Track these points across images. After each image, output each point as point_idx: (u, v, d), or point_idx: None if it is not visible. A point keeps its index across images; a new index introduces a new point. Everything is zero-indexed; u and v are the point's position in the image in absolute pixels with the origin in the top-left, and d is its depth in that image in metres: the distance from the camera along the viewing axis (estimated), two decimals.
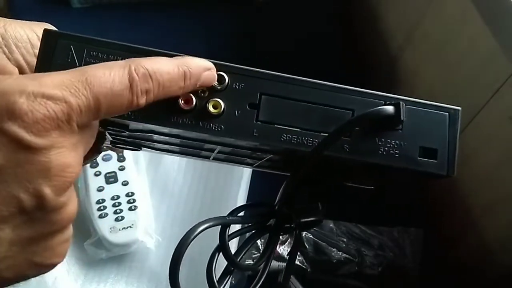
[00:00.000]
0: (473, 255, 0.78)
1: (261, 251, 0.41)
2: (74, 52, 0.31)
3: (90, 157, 0.36)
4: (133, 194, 0.74)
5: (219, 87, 0.32)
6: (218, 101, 0.32)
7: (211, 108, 0.32)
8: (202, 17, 1.04)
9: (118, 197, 0.74)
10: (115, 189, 0.74)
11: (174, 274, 0.32)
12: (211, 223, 0.34)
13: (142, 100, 0.28)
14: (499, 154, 0.71)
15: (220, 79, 0.32)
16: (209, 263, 0.35)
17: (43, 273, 0.28)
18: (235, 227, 0.38)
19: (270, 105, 0.33)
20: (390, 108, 0.32)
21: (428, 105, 0.34)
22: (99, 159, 0.76)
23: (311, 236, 0.77)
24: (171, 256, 0.32)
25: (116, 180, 0.75)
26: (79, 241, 0.72)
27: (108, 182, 0.75)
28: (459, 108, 0.34)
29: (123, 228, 0.72)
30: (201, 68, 0.31)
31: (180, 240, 0.32)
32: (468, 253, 0.80)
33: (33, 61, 0.33)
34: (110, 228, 0.71)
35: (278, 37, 1.03)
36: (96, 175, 0.75)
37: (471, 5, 0.70)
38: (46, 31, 0.31)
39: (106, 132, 0.37)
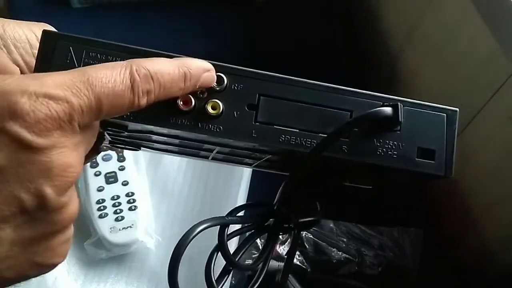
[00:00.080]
0: (473, 255, 0.78)
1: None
2: (73, 53, 0.31)
3: (89, 157, 0.36)
4: (133, 194, 0.74)
5: (218, 88, 0.32)
6: (217, 102, 0.32)
7: (210, 109, 0.32)
8: (202, 17, 1.04)
9: (118, 197, 0.74)
10: (115, 189, 0.74)
11: (173, 274, 0.32)
12: (210, 223, 0.34)
13: (143, 101, 0.28)
14: (499, 154, 0.71)
15: (219, 80, 0.32)
16: (207, 262, 0.35)
17: (44, 273, 0.28)
18: (234, 227, 0.38)
19: (268, 106, 0.33)
20: (388, 110, 0.32)
21: (426, 106, 0.34)
22: (99, 159, 0.76)
23: (311, 236, 0.77)
24: (170, 256, 0.32)
25: (116, 180, 0.75)
26: (79, 241, 0.72)
27: (108, 182, 0.75)
28: (457, 109, 0.34)
29: (123, 228, 0.72)
30: (201, 69, 0.31)
31: (179, 240, 0.32)
32: (468, 253, 0.80)
33: (32, 61, 0.33)
34: (110, 228, 0.71)
35: (278, 37, 1.03)
36: (96, 175, 0.75)
37: (471, 5, 0.70)
38: (45, 32, 0.31)
39: (105, 132, 0.37)
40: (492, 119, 0.70)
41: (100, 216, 0.72)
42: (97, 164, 0.76)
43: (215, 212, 0.36)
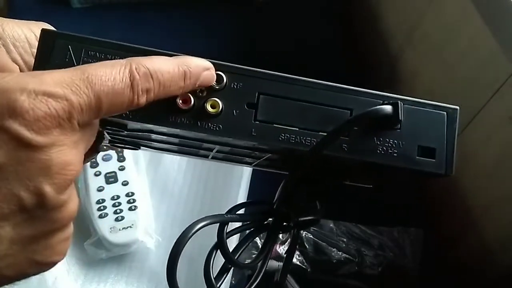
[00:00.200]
0: (473, 255, 0.78)
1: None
2: (72, 52, 0.31)
3: (89, 156, 0.36)
4: (133, 194, 0.74)
5: (217, 87, 0.32)
6: (216, 101, 0.32)
7: (209, 108, 0.32)
8: (202, 17, 1.04)
9: (118, 197, 0.74)
10: (115, 189, 0.74)
11: (172, 271, 0.32)
12: (209, 221, 0.34)
13: (143, 99, 0.28)
14: (499, 154, 0.71)
15: (218, 78, 0.32)
16: (206, 260, 0.35)
17: (43, 271, 0.28)
18: (234, 225, 0.38)
19: (268, 105, 0.33)
20: (388, 108, 0.32)
21: (426, 104, 0.34)
22: (99, 159, 0.76)
23: (311, 236, 0.77)
24: (169, 253, 0.32)
25: (116, 180, 0.75)
26: (79, 241, 0.72)
27: (108, 182, 0.75)
28: (457, 107, 0.34)
29: (123, 228, 0.72)
30: (201, 68, 0.31)
31: (178, 238, 0.32)
32: (468, 253, 0.80)
33: (31, 60, 0.33)
34: (110, 228, 0.71)
35: (278, 37, 1.03)
36: (96, 175, 0.75)
37: (471, 5, 0.70)
38: (44, 31, 0.31)
39: (105, 131, 0.37)
40: (492, 119, 0.70)
41: (100, 216, 0.72)
42: (97, 164, 0.75)
43: (215, 212, 0.36)
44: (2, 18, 0.33)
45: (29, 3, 1.00)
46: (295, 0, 1.09)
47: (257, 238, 0.70)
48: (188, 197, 0.80)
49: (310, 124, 0.33)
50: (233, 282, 0.72)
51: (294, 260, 0.75)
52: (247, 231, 0.40)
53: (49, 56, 0.30)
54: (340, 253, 0.77)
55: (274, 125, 0.33)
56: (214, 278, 0.35)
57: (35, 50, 0.31)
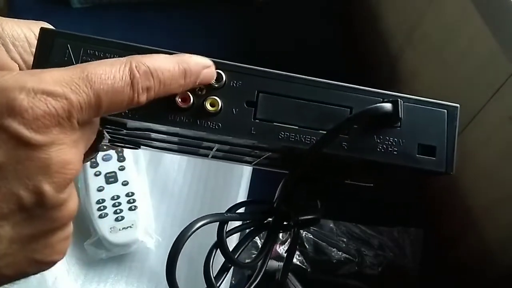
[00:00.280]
0: (473, 255, 0.78)
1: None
2: (71, 50, 0.31)
3: (89, 155, 0.36)
4: (133, 194, 0.74)
5: (216, 85, 0.32)
6: (216, 99, 0.32)
7: (208, 106, 0.32)
8: (202, 17, 1.04)
9: (118, 197, 0.74)
10: (115, 189, 0.74)
11: (171, 270, 0.32)
12: (209, 219, 0.34)
13: (143, 98, 0.28)
14: (499, 154, 0.71)
15: (218, 77, 0.32)
16: (206, 259, 0.35)
17: (43, 271, 0.28)
18: (234, 224, 0.38)
19: (267, 103, 0.33)
20: (388, 106, 0.32)
21: (427, 102, 0.33)
22: (99, 159, 0.76)
23: (311, 236, 0.77)
24: (168, 252, 0.32)
25: (116, 180, 0.75)
26: (79, 241, 0.72)
27: (108, 182, 0.75)
28: (458, 105, 0.34)
29: (123, 228, 0.72)
30: (201, 66, 0.31)
31: (178, 236, 0.32)
32: (468, 253, 0.80)
33: (31, 59, 0.32)
34: (110, 228, 0.71)
35: (278, 37, 1.03)
36: (96, 175, 0.75)
37: (471, 5, 0.70)
38: (43, 30, 0.31)
39: (104, 130, 0.37)
40: (492, 119, 0.70)
41: (100, 216, 0.72)
42: (97, 164, 0.75)
43: (215, 211, 0.36)
44: (2, 17, 0.33)
45: (29, 3, 1.00)
46: (295, 0, 1.09)
47: (257, 237, 0.70)
48: (188, 197, 0.79)
49: (309, 122, 0.33)
50: (233, 281, 0.72)
51: (294, 260, 0.75)
52: (247, 230, 0.40)
53: (48, 55, 0.30)
54: (340, 253, 0.77)
55: (274, 123, 0.32)
56: (214, 278, 0.35)
57: (34, 49, 0.31)
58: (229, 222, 0.36)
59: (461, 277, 0.79)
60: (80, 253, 0.72)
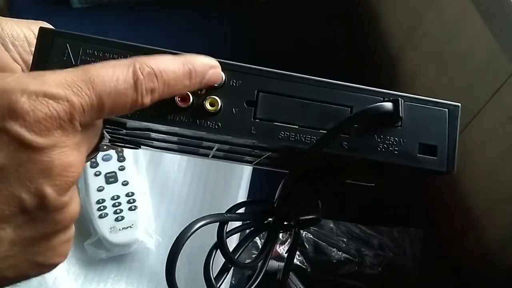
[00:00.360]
0: (473, 255, 0.78)
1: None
2: (70, 50, 0.30)
3: (89, 155, 0.36)
4: (133, 194, 0.74)
5: (216, 85, 0.32)
6: (215, 99, 0.32)
7: (208, 106, 0.32)
8: (202, 17, 1.04)
9: (118, 197, 0.74)
10: (115, 189, 0.74)
11: (171, 271, 0.32)
12: (208, 220, 0.33)
13: (147, 99, 0.28)
14: (499, 154, 0.71)
15: None
16: (206, 260, 0.35)
17: (44, 273, 0.28)
18: (234, 225, 0.38)
19: (267, 103, 0.32)
20: (388, 105, 0.32)
21: (427, 102, 0.33)
22: (99, 159, 0.76)
23: (311, 236, 0.77)
24: (168, 252, 0.32)
25: (116, 180, 0.75)
26: (79, 241, 0.72)
27: (108, 182, 0.75)
28: (459, 104, 0.33)
29: (123, 228, 0.72)
30: (206, 66, 0.31)
31: (177, 237, 0.32)
32: (468, 253, 0.80)
33: (30, 59, 0.32)
34: (110, 228, 0.71)
35: (278, 37, 1.03)
36: (96, 175, 0.75)
37: (471, 5, 0.70)
38: (42, 29, 0.31)
39: (104, 130, 0.37)
40: (492, 119, 0.70)
41: (100, 216, 0.72)
42: (97, 164, 0.75)
43: (215, 212, 0.36)
44: (1, 17, 0.33)
45: (29, 3, 1.00)
46: (295, 0, 1.09)
47: (257, 238, 0.70)
48: (188, 197, 0.79)
49: (310, 122, 0.33)
50: (233, 282, 0.72)
51: (294, 260, 0.75)
52: (247, 231, 0.40)
53: (47, 54, 0.30)
54: (340, 253, 0.77)
55: (274, 123, 0.32)
56: (214, 278, 0.35)
57: (33, 49, 0.31)
58: (229, 222, 0.36)
59: (461, 277, 0.79)
60: (80, 253, 0.72)
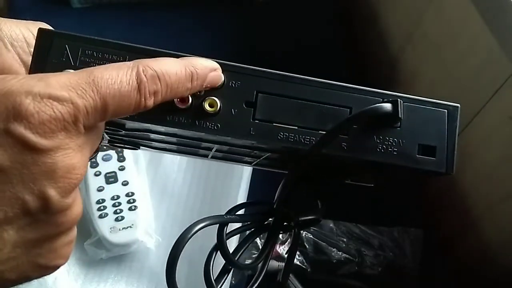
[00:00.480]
0: (473, 255, 0.78)
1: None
2: (69, 51, 0.30)
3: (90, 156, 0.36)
4: (133, 194, 0.74)
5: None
6: (214, 100, 0.32)
7: (207, 107, 0.32)
8: (202, 17, 1.04)
9: (118, 197, 0.74)
10: (115, 189, 0.74)
11: (171, 273, 0.32)
12: (208, 222, 0.33)
13: (150, 102, 0.28)
14: (499, 154, 0.71)
15: None
16: (206, 261, 0.35)
17: (46, 275, 0.28)
18: (234, 226, 0.38)
19: (266, 103, 0.32)
20: (388, 106, 0.32)
21: (427, 102, 0.33)
22: (99, 159, 0.76)
23: (311, 236, 0.77)
24: (168, 255, 0.32)
25: (116, 180, 0.75)
26: (79, 241, 0.72)
27: (108, 182, 0.75)
28: (458, 104, 0.33)
29: (123, 228, 0.72)
30: (208, 69, 0.31)
31: (178, 238, 0.32)
32: (468, 253, 0.80)
33: (29, 60, 0.32)
34: (110, 228, 0.71)
35: (278, 37, 1.03)
36: (96, 175, 0.75)
37: (471, 5, 0.70)
38: (41, 30, 0.31)
39: (103, 131, 0.37)
40: (492, 119, 0.70)
41: (100, 216, 0.72)
42: (97, 164, 0.75)
43: (215, 212, 0.36)
44: (0, 18, 0.33)
45: (29, 3, 1.00)
46: (295, 0, 1.09)
47: (258, 238, 0.70)
48: (188, 197, 0.79)
49: (309, 123, 0.33)
50: (234, 282, 0.72)
51: (294, 260, 0.75)
52: (247, 232, 0.40)
53: (46, 55, 0.30)
54: (340, 253, 0.77)
55: (273, 123, 0.32)
56: (215, 280, 0.35)
57: (32, 50, 0.31)
58: (229, 223, 0.36)
59: (461, 277, 0.79)
60: (80, 253, 0.72)
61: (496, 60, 0.67)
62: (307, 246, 0.76)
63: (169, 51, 0.31)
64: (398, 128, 0.33)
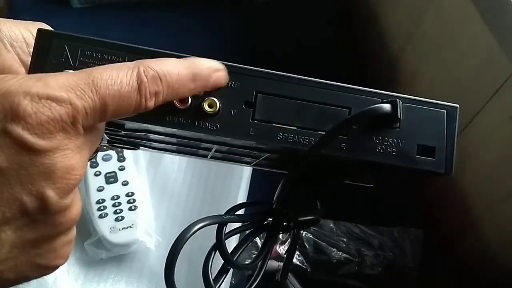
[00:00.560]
0: (473, 255, 0.78)
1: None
2: (69, 51, 0.30)
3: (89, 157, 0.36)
4: (133, 194, 0.74)
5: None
6: (214, 100, 0.32)
7: (206, 107, 0.32)
8: (202, 17, 1.04)
9: (118, 197, 0.74)
10: (115, 189, 0.74)
11: (170, 273, 0.32)
12: (207, 222, 0.33)
13: (151, 103, 0.28)
14: (499, 154, 0.71)
15: None
16: (205, 261, 0.35)
17: (45, 275, 0.28)
18: (233, 226, 0.38)
19: (266, 104, 0.32)
20: (387, 106, 0.32)
21: (426, 103, 0.33)
22: (99, 159, 0.76)
23: (311, 236, 0.77)
24: (167, 255, 0.32)
25: (116, 180, 0.75)
26: (79, 241, 0.72)
27: (108, 182, 0.75)
28: (457, 105, 0.33)
29: (123, 228, 0.72)
30: (211, 70, 0.31)
31: (177, 238, 0.32)
32: (468, 253, 0.80)
33: (29, 60, 0.32)
34: (110, 228, 0.71)
35: (278, 37, 1.03)
36: (96, 175, 0.75)
37: (471, 5, 0.70)
38: (40, 31, 0.31)
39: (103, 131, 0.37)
40: (492, 119, 0.70)
41: (100, 216, 0.72)
42: (97, 164, 0.75)
43: (215, 212, 0.36)
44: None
45: (28, 3, 1.00)
46: (295, 0, 1.09)
47: (257, 238, 0.70)
48: (188, 197, 0.79)
49: (308, 123, 0.33)
50: (233, 282, 0.72)
51: (294, 260, 0.75)
52: (247, 232, 0.40)
53: (45, 56, 0.30)
54: (340, 253, 0.77)
55: (272, 124, 0.32)
56: (213, 279, 0.35)
57: (32, 50, 0.31)
58: (228, 223, 0.36)
59: (461, 277, 0.79)
60: (80, 253, 0.72)
61: (496, 60, 0.67)
62: (307, 246, 0.76)
63: (169, 52, 0.31)
64: (397, 129, 0.33)
